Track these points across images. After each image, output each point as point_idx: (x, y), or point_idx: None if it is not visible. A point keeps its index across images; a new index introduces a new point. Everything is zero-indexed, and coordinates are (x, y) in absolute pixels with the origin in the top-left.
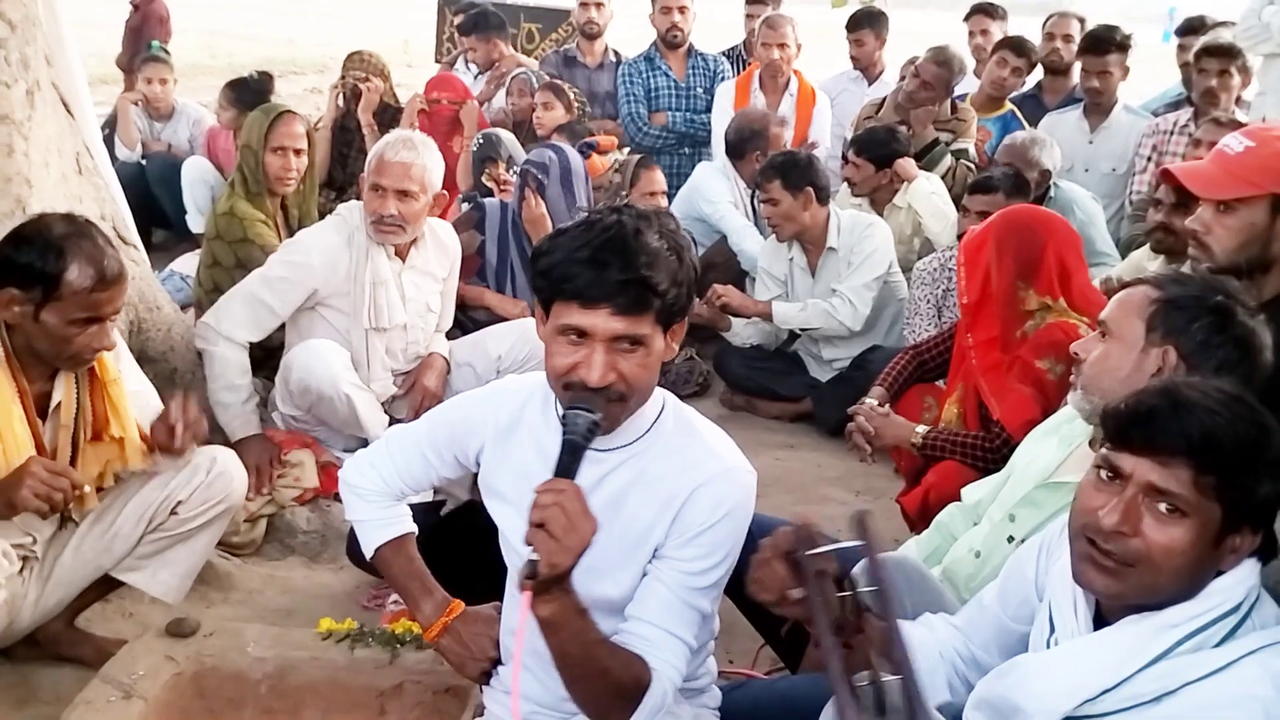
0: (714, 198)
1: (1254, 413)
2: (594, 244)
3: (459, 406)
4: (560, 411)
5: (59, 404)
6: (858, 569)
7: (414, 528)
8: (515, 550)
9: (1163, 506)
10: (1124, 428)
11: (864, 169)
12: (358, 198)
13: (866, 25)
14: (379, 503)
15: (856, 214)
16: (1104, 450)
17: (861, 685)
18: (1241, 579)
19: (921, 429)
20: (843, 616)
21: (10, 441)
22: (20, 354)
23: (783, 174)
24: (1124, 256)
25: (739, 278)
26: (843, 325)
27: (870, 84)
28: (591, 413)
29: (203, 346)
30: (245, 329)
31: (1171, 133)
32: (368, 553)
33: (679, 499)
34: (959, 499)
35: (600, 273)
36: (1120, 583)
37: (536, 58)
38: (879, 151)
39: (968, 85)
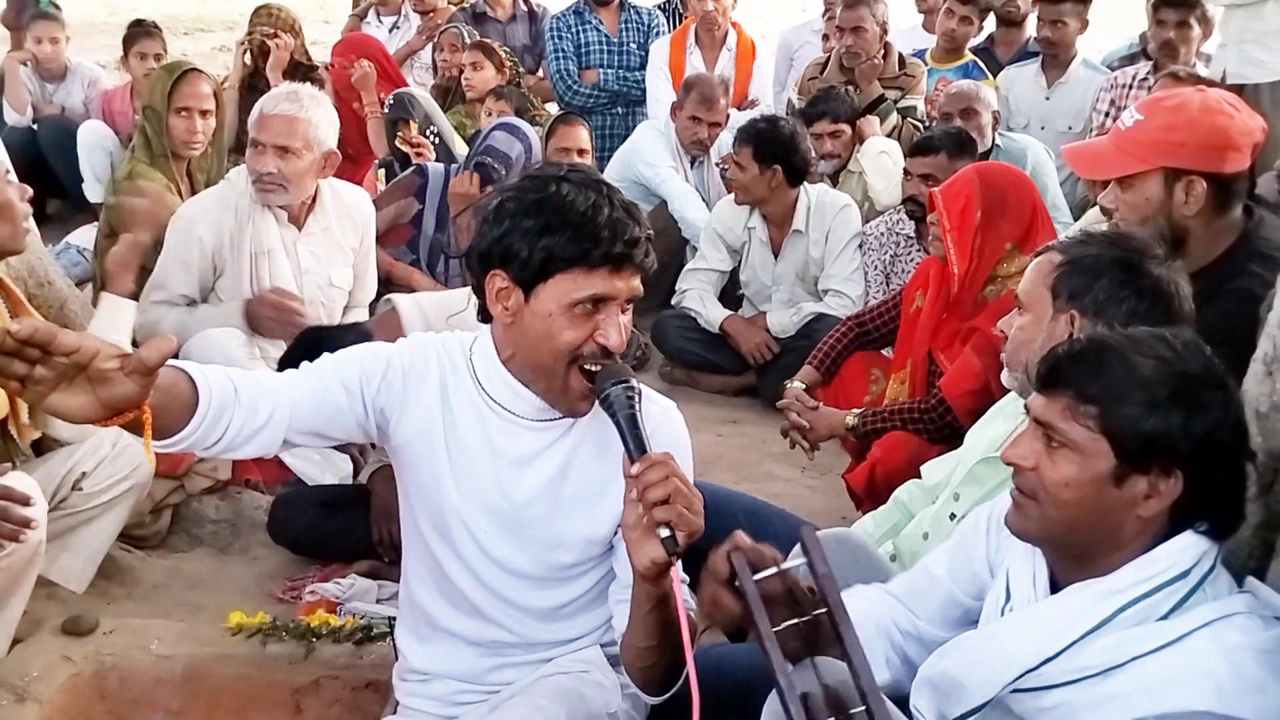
0: (654, 160)
1: (1158, 348)
2: (607, 209)
3: (370, 348)
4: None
5: None
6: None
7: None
8: (427, 494)
9: (1051, 440)
10: (1036, 375)
11: (747, 167)
12: None
13: None
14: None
15: (825, 193)
16: None
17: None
18: (1188, 545)
19: (854, 414)
20: (797, 640)
21: None
22: None
23: (756, 143)
24: (1078, 218)
25: (679, 246)
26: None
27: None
28: (624, 381)
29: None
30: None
31: (1130, 86)
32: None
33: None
34: (907, 470)
35: (630, 233)
36: (1025, 518)
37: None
38: (767, 150)
39: (922, 41)
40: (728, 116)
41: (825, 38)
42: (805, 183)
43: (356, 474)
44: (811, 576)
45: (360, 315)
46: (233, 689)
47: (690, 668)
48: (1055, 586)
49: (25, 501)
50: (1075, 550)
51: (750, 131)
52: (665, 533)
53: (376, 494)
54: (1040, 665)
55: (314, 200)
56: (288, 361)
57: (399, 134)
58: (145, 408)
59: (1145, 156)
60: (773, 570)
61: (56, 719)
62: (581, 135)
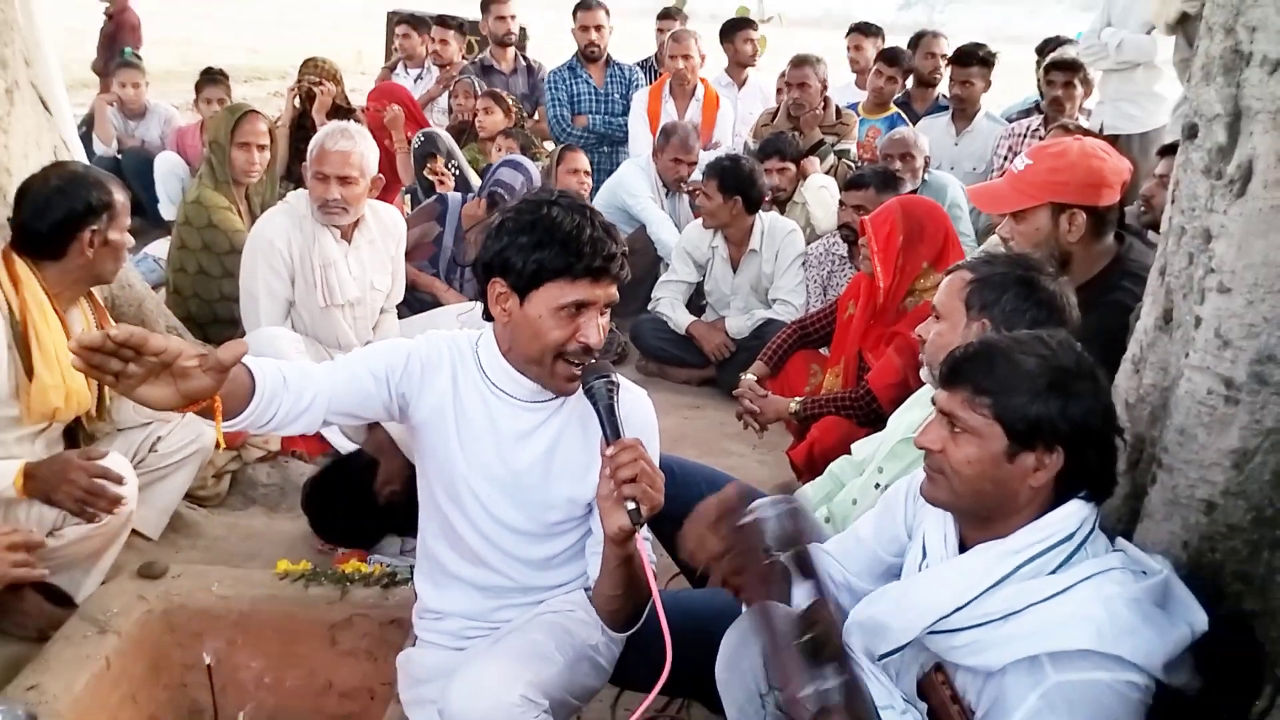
0: (636, 191)
1: (1038, 348)
2: (589, 229)
3: (394, 343)
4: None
5: (81, 330)
6: (773, 525)
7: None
8: (440, 464)
9: (954, 426)
10: (940, 373)
11: (712, 196)
12: None
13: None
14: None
15: (776, 219)
16: None
17: (800, 641)
18: (1072, 512)
19: (796, 401)
20: (770, 580)
21: (67, 363)
22: (52, 293)
23: (721, 177)
24: (981, 242)
25: (655, 261)
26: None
27: (740, 88)
28: (605, 376)
29: (254, 345)
30: (271, 319)
31: (1025, 136)
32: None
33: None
34: (839, 447)
35: (607, 249)
36: (937, 489)
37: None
38: (730, 183)
39: (853, 95)
40: (698, 156)
41: (778, 90)
42: (760, 210)
43: None
44: (791, 520)
45: (391, 316)
46: (280, 624)
47: (660, 611)
48: (964, 546)
49: (120, 480)
50: (979, 515)
51: (717, 167)
52: (631, 505)
53: (382, 464)
54: (952, 613)
55: (359, 220)
56: (324, 481)
57: (428, 165)
58: (217, 398)
59: (1035, 194)
60: (752, 517)
61: (132, 649)
62: (584, 160)
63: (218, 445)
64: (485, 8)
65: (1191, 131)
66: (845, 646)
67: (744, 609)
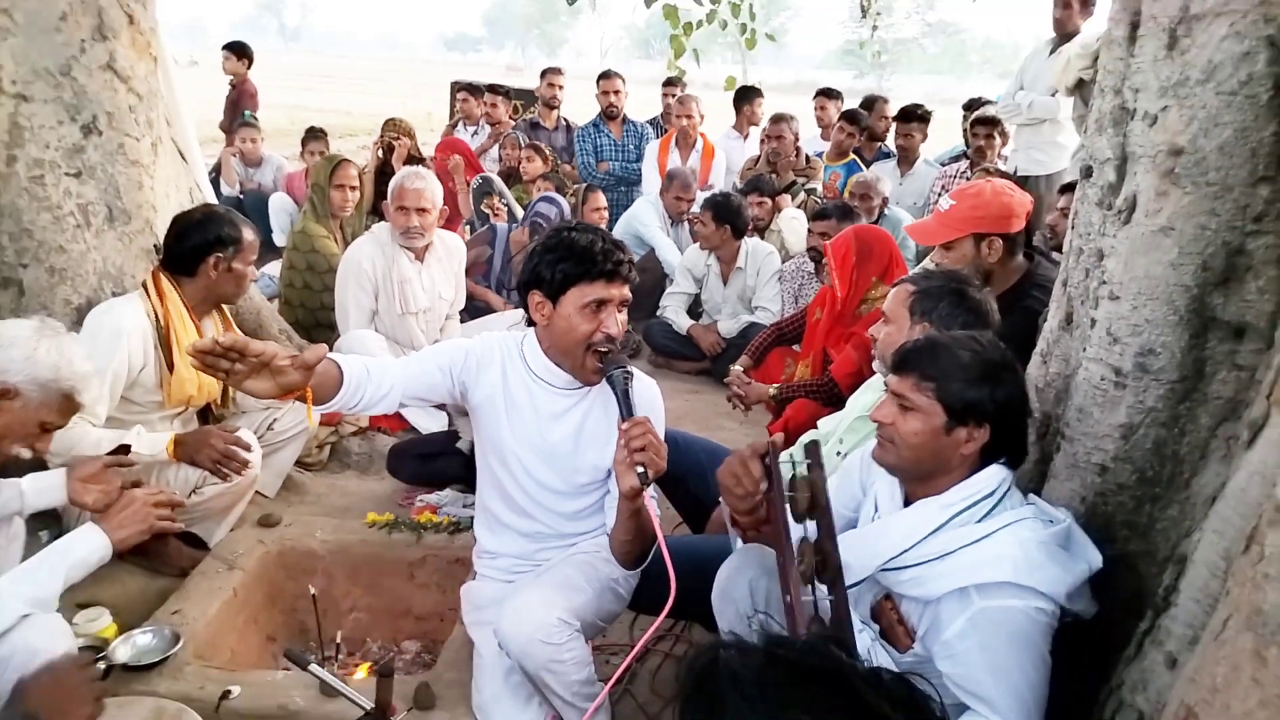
0: (647, 222)
1: (973, 345)
2: (600, 243)
3: (456, 342)
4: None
5: (213, 339)
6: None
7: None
8: (493, 438)
9: (903, 405)
10: (892, 362)
11: (707, 225)
12: None
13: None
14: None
15: (758, 244)
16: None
17: (804, 561)
18: (994, 474)
19: (774, 387)
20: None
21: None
22: (190, 305)
23: (715, 210)
24: (919, 261)
25: (662, 277)
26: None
27: (745, 140)
28: (622, 367)
29: (347, 344)
30: (359, 324)
31: (955, 177)
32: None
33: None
34: (809, 423)
35: (616, 257)
36: (886, 454)
37: (513, 122)
38: (722, 215)
39: (818, 145)
40: (696, 195)
41: (761, 141)
42: (745, 237)
43: (450, 423)
44: (811, 470)
45: (454, 321)
46: (369, 563)
47: (665, 551)
48: (907, 501)
49: (248, 448)
50: (919, 475)
51: (711, 202)
52: (641, 469)
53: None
54: (900, 554)
55: (429, 244)
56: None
57: (485, 201)
58: (308, 390)
59: (960, 228)
60: (786, 460)
61: (253, 582)
62: (602, 199)
63: (320, 423)
64: (543, 76)
65: (1088, 172)
66: (840, 573)
67: (735, 547)
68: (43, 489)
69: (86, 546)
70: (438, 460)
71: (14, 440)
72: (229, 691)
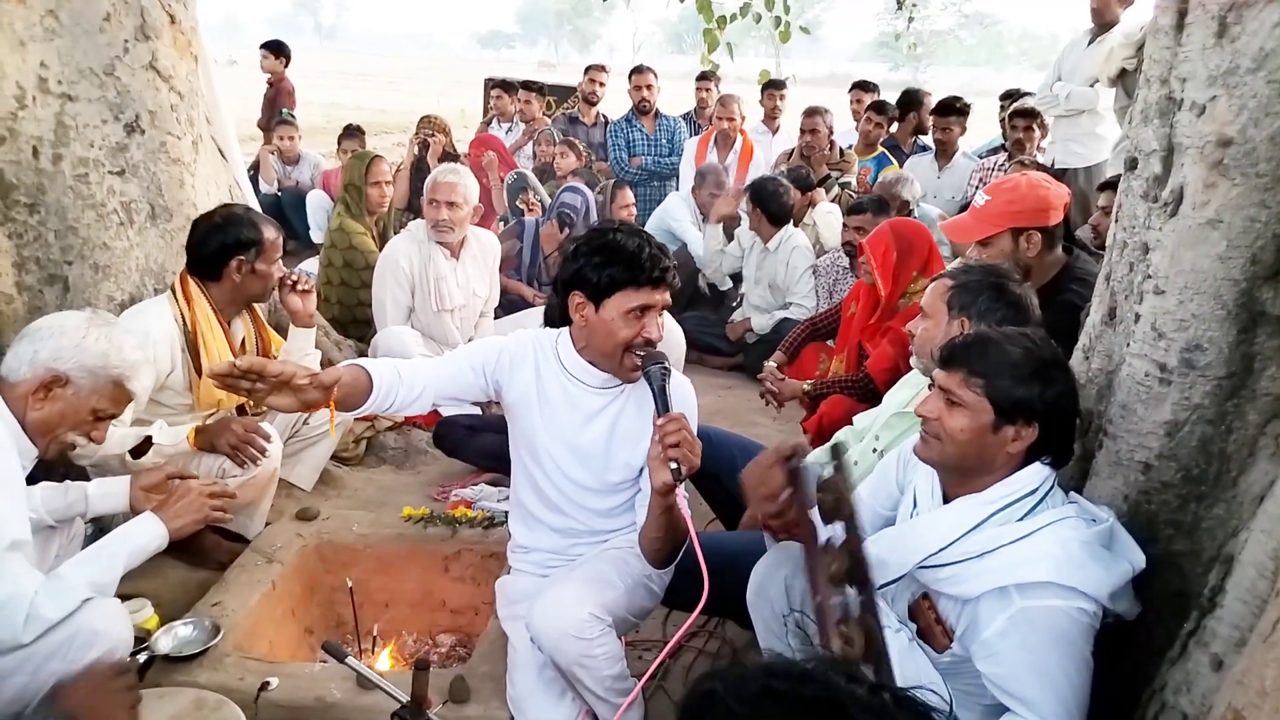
0: (679, 218)
1: (1024, 342)
2: (647, 249)
3: (489, 341)
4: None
5: (243, 339)
6: (820, 473)
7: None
8: (527, 435)
9: (950, 400)
10: (940, 357)
11: (750, 207)
12: None
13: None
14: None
15: (795, 234)
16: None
17: (835, 563)
18: (1036, 472)
19: (809, 383)
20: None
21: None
22: (218, 308)
23: (752, 193)
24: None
25: (693, 274)
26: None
27: (774, 135)
28: (660, 363)
29: (383, 340)
30: (396, 320)
31: (993, 170)
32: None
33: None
34: (844, 419)
35: (662, 264)
36: (930, 450)
37: (551, 117)
38: (759, 199)
39: (854, 138)
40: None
41: (802, 132)
42: (786, 225)
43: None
44: (835, 473)
45: (488, 318)
46: (405, 556)
47: (698, 548)
48: (947, 498)
49: (267, 438)
50: (961, 472)
51: (754, 188)
52: (674, 465)
53: None
54: (938, 551)
55: (464, 241)
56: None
57: (520, 197)
58: (331, 404)
59: (997, 223)
60: (806, 464)
61: (291, 574)
62: (630, 195)
63: (356, 419)
64: (586, 71)
65: (1133, 164)
66: (869, 573)
67: (770, 545)
68: (107, 494)
69: (145, 535)
70: (484, 435)
71: (67, 428)
72: (268, 683)
